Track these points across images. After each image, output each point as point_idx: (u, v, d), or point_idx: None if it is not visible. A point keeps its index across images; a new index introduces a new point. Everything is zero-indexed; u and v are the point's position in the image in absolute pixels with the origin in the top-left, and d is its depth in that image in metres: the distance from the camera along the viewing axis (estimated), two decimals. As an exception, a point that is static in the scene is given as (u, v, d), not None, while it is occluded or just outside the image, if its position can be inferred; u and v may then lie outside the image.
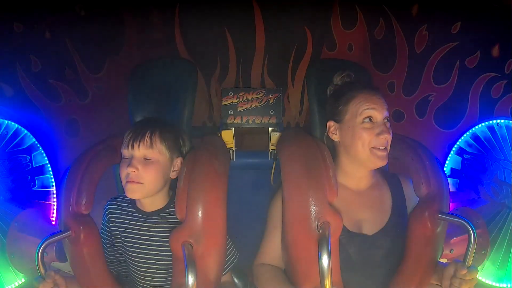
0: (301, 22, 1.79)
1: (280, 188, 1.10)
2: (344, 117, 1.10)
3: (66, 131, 1.50)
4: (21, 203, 1.33)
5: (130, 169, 1.04)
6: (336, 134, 1.13)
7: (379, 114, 1.06)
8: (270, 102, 1.37)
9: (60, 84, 1.49)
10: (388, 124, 1.08)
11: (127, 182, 1.05)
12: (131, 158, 1.06)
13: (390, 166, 1.28)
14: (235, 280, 1.27)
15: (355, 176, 1.13)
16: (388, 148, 1.08)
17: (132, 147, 1.06)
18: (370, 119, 1.06)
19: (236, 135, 1.40)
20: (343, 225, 1.01)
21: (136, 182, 1.04)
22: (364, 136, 1.05)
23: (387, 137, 1.05)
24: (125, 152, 1.08)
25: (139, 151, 1.06)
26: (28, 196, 1.35)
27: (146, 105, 1.26)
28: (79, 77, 1.58)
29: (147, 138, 1.07)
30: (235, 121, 1.38)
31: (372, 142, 1.05)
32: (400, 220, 1.10)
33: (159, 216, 1.13)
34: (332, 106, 1.14)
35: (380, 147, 1.06)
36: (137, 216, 1.14)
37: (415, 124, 1.75)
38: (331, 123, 1.14)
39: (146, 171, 1.05)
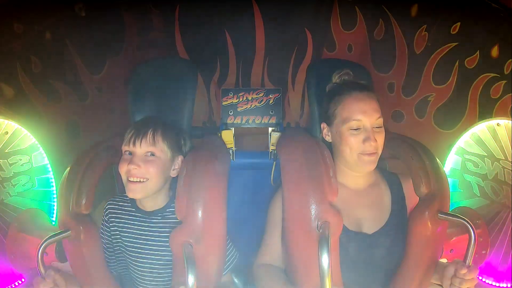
0: (301, 23, 1.78)
1: (280, 188, 1.10)
2: (333, 121, 1.10)
3: (66, 132, 1.50)
4: (21, 203, 1.33)
5: (132, 166, 1.04)
6: (329, 136, 1.13)
7: (368, 120, 1.05)
8: (270, 102, 1.37)
9: (60, 85, 1.49)
10: (379, 129, 1.06)
11: (129, 182, 1.04)
12: (132, 155, 1.06)
13: (390, 166, 1.28)
14: (235, 280, 1.27)
15: (353, 175, 1.13)
16: (379, 152, 1.07)
17: (134, 144, 1.06)
18: (358, 128, 1.05)
19: (236, 135, 1.40)
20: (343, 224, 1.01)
21: (138, 181, 1.04)
22: (352, 142, 1.05)
23: (373, 145, 1.04)
24: (126, 149, 1.08)
25: (141, 148, 1.06)
26: (28, 196, 1.35)
27: (146, 105, 1.27)
28: (79, 78, 1.58)
29: (149, 135, 1.07)
30: (235, 121, 1.39)
31: (359, 147, 1.05)
32: (399, 219, 1.11)
33: (159, 216, 1.13)
34: (324, 109, 1.15)
35: (368, 153, 1.05)
36: (137, 216, 1.14)
37: (414, 125, 1.74)
38: (323, 125, 1.15)
39: (148, 167, 1.05)
